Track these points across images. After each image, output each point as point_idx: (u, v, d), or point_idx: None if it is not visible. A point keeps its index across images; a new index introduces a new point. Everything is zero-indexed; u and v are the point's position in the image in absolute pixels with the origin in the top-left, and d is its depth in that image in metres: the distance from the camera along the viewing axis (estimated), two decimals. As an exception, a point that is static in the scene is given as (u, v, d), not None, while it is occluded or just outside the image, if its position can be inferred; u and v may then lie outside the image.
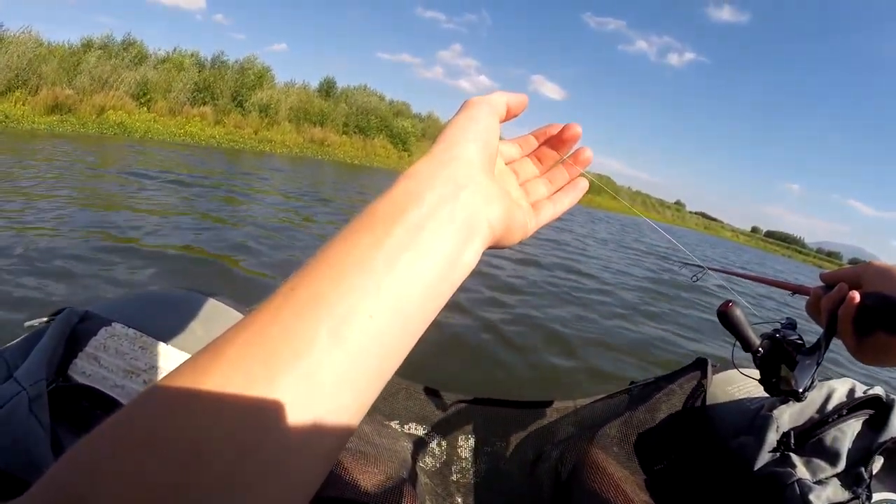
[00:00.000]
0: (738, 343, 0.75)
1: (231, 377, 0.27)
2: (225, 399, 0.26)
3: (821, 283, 0.72)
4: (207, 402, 0.26)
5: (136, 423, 0.25)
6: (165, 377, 0.27)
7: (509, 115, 0.46)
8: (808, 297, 0.74)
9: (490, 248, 0.40)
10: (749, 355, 0.74)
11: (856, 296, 0.62)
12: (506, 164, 0.49)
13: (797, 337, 0.72)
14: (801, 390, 0.68)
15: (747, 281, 1.10)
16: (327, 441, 0.29)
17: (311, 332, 0.29)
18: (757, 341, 0.72)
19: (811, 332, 0.73)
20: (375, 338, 0.30)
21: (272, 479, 0.26)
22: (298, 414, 0.27)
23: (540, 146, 0.51)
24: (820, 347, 0.68)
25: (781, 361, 0.70)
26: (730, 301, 0.73)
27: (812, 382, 0.69)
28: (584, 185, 0.50)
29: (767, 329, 0.76)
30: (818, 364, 0.68)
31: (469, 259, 0.37)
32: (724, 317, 0.73)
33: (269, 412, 0.26)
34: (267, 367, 0.27)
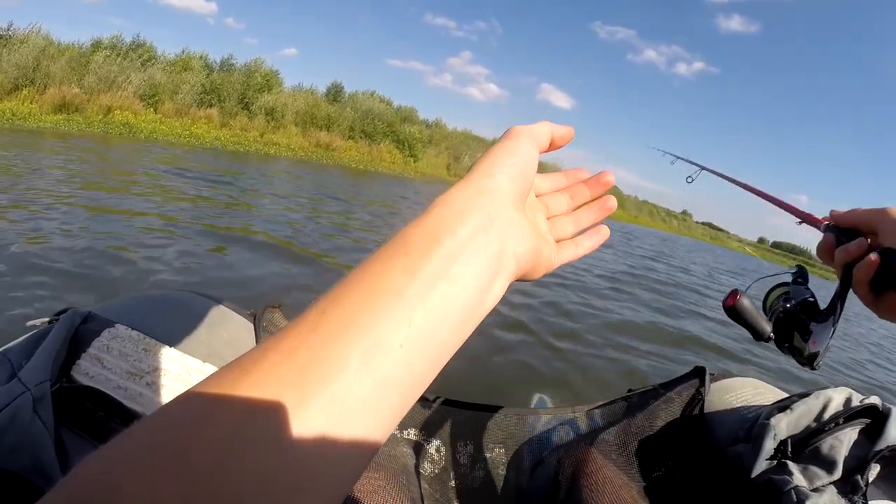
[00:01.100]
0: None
1: (258, 397, 0.26)
2: (250, 419, 0.26)
3: (828, 219, 0.67)
4: (231, 420, 0.26)
5: (153, 438, 0.25)
6: (187, 391, 0.27)
7: (552, 147, 0.46)
8: (818, 240, 0.67)
9: (514, 281, 0.40)
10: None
11: (874, 258, 0.56)
12: (536, 197, 0.49)
13: (809, 295, 0.67)
14: (815, 362, 0.63)
15: (750, 193, 0.99)
16: (349, 465, 0.29)
17: (341, 357, 0.28)
18: (768, 328, 0.68)
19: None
20: (404, 367, 0.30)
21: (293, 502, 0.26)
22: (323, 439, 0.27)
23: (569, 186, 0.51)
24: (835, 311, 0.62)
25: (794, 330, 0.66)
26: (736, 292, 0.68)
27: (827, 348, 0.63)
28: (605, 232, 0.50)
29: (776, 282, 0.73)
30: (834, 328, 0.62)
31: (496, 293, 0.37)
32: (733, 311, 0.69)
33: (294, 436, 0.26)
34: (296, 389, 0.27)
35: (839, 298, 0.61)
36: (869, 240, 0.60)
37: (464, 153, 27.32)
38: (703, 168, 1.34)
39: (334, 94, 25.11)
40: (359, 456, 0.29)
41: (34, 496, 0.60)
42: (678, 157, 1.59)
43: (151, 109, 17.20)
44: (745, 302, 0.67)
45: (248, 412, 0.26)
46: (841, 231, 0.63)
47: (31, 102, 13.82)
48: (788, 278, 0.71)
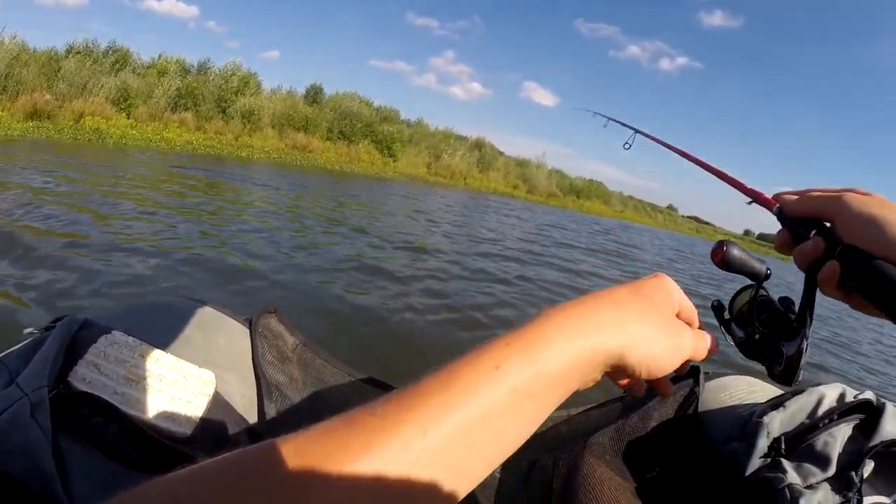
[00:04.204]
0: (726, 333, 0.62)
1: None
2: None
3: (781, 198, 0.62)
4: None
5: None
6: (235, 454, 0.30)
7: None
8: (776, 232, 0.62)
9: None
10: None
11: (836, 268, 0.52)
12: None
13: (776, 302, 0.60)
14: (793, 379, 0.57)
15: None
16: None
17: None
18: (763, 268, 0.59)
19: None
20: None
21: None
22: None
23: None
24: (805, 323, 0.56)
25: (766, 352, 0.59)
26: (722, 243, 0.58)
27: (804, 361, 0.56)
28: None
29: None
30: (807, 340, 0.56)
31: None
32: (725, 263, 0.59)
33: None
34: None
35: (807, 306, 0.57)
36: (829, 228, 0.56)
37: (444, 151, 27.26)
38: (636, 131, 1.28)
39: (314, 95, 24.96)
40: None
41: (31, 499, 0.60)
42: (610, 119, 1.51)
43: (124, 114, 16.93)
44: (735, 251, 0.59)
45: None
46: (795, 222, 0.60)
47: (2, 110, 13.52)
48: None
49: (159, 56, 20.85)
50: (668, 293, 0.47)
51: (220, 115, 19.99)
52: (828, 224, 0.56)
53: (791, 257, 0.60)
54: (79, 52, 17.66)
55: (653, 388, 1.06)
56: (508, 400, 0.34)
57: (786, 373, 0.56)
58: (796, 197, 0.59)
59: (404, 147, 25.62)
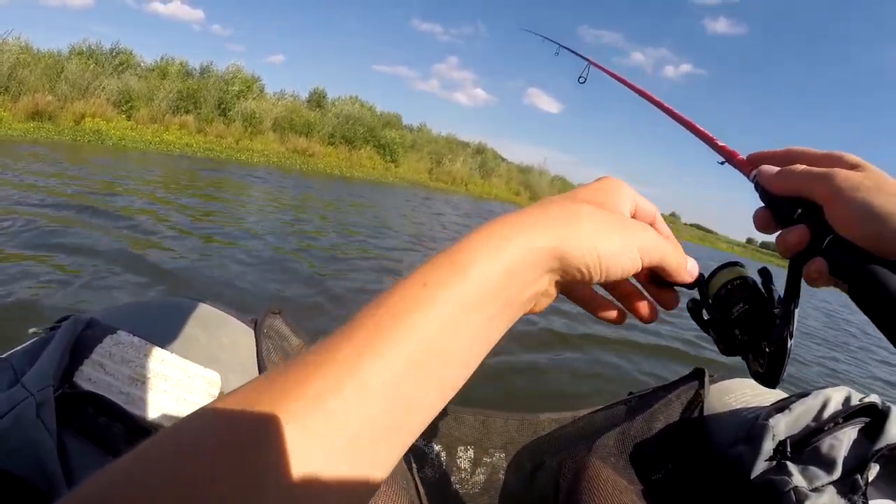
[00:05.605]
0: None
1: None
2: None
3: (760, 170, 0.52)
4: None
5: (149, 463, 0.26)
6: (195, 412, 0.28)
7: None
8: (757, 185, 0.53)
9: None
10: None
11: (823, 268, 0.44)
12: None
13: (763, 300, 0.49)
14: (776, 382, 0.48)
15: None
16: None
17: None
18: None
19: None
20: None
21: None
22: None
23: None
24: (790, 318, 0.46)
25: (748, 352, 0.49)
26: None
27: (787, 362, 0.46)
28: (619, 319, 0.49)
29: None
30: (791, 339, 0.45)
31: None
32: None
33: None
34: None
35: (791, 298, 0.47)
36: (816, 208, 0.46)
37: (445, 156, 27.17)
38: (590, 63, 1.20)
39: (317, 100, 24.93)
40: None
41: (37, 499, 0.60)
42: (562, 47, 1.47)
43: (125, 116, 16.91)
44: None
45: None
46: (777, 200, 0.50)
47: (3, 110, 13.50)
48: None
49: (161, 58, 20.87)
50: (614, 192, 0.43)
51: (221, 118, 19.94)
52: (815, 203, 0.46)
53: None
54: (81, 54, 17.68)
55: (657, 391, 1.07)
56: (441, 315, 0.32)
57: (768, 374, 0.48)
58: (776, 171, 0.50)
59: (406, 152, 25.53)
